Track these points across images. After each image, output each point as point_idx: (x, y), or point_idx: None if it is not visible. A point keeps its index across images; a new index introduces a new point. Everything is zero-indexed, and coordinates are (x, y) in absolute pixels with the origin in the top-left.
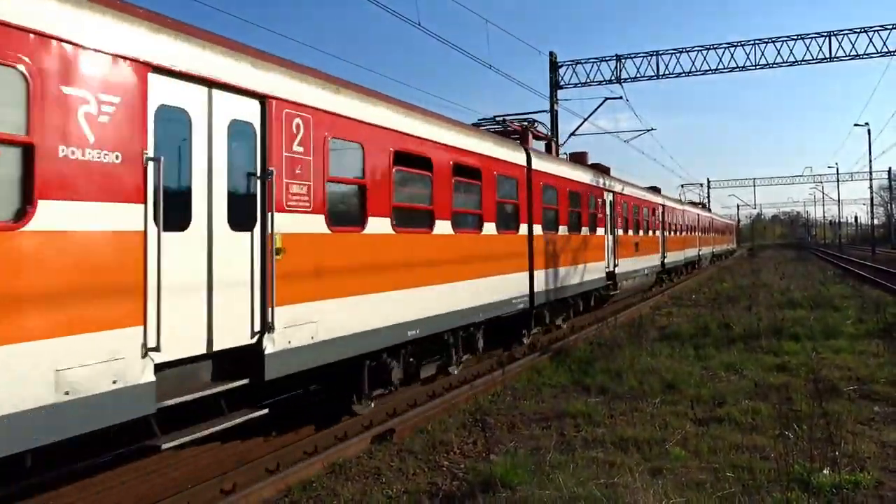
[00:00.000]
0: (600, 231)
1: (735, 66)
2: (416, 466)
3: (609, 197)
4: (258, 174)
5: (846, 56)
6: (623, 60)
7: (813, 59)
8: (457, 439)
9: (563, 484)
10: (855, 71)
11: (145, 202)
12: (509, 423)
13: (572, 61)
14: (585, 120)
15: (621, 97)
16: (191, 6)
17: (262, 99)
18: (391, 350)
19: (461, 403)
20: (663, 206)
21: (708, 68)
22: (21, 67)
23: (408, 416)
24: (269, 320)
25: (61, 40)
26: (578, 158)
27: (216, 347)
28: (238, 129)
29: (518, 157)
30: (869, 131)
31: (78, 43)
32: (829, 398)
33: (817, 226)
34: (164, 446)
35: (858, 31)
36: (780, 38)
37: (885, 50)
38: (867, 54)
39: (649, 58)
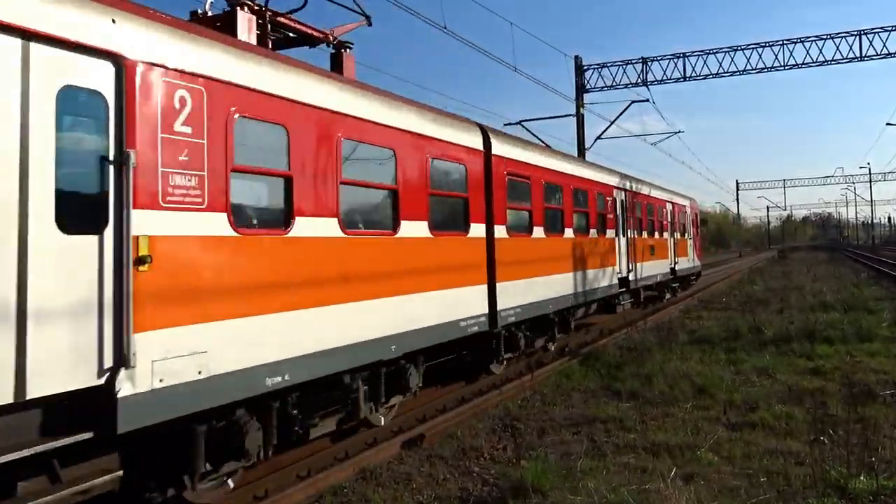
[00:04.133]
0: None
1: (763, 66)
2: (447, 472)
3: None
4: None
5: (878, 55)
6: (649, 63)
7: (843, 59)
8: (487, 444)
9: (595, 489)
10: (888, 69)
11: None
12: (539, 428)
13: (598, 64)
14: (612, 123)
15: (648, 100)
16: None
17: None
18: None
19: (490, 409)
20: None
21: (736, 69)
22: None
23: (437, 422)
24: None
25: None
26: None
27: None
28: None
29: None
30: None
31: None
32: (865, 402)
33: (849, 227)
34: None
35: (890, 29)
36: (809, 37)
37: None
38: None
39: (676, 60)
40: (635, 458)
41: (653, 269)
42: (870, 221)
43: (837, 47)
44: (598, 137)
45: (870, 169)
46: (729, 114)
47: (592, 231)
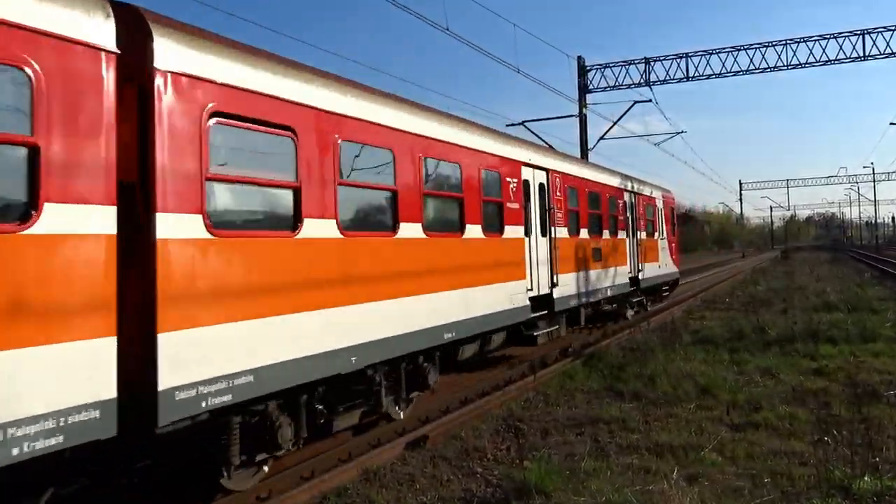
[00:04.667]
0: None
1: (766, 66)
2: (450, 473)
3: None
4: None
5: (881, 54)
6: (652, 63)
7: (846, 59)
8: (490, 445)
9: (598, 490)
10: (891, 68)
11: None
12: (542, 429)
13: (601, 65)
14: (615, 124)
15: (651, 100)
16: (212, 14)
17: None
18: None
19: (494, 409)
20: None
21: (739, 69)
22: None
23: (440, 423)
24: None
25: None
26: None
27: None
28: None
29: None
30: None
31: None
32: (869, 402)
33: (853, 227)
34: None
35: (893, 28)
36: (812, 37)
37: None
38: None
39: (679, 60)
40: (639, 459)
41: (599, 280)
42: (873, 221)
43: (840, 47)
44: (601, 138)
45: (873, 169)
46: (732, 114)
47: (472, 228)
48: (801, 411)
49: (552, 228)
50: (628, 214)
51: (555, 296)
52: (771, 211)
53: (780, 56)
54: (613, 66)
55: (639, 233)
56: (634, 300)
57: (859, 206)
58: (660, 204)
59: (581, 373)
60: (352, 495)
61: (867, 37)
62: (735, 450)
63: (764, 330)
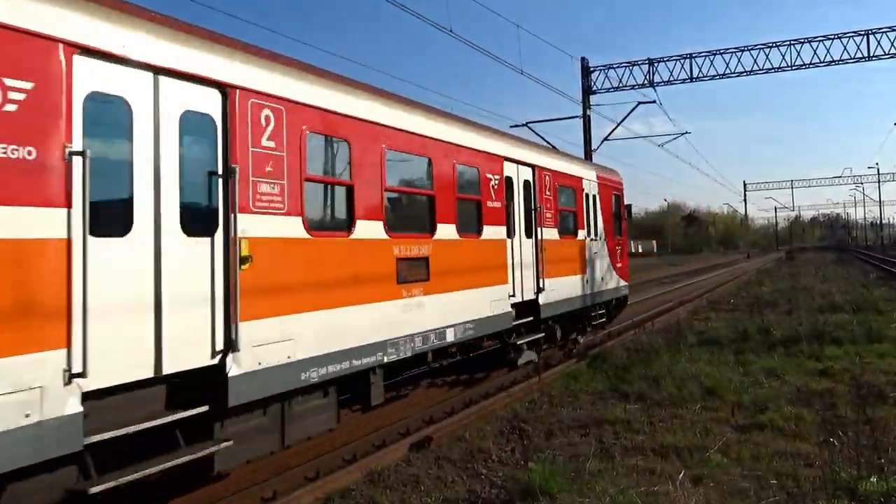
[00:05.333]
0: None
1: (771, 67)
2: (455, 474)
3: None
4: None
5: (885, 54)
6: (656, 64)
7: (851, 59)
8: (494, 447)
9: (603, 492)
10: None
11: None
12: (547, 430)
13: (604, 66)
14: (619, 125)
15: (654, 101)
16: (214, 16)
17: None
18: None
19: (498, 411)
20: None
21: (743, 70)
22: None
23: (444, 424)
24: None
25: None
26: None
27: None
28: None
29: None
30: None
31: None
32: (875, 403)
33: (858, 227)
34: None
35: None
36: (816, 37)
37: None
38: None
39: (683, 61)
40: (644, 460)
41: (425, 317)
42: (878, 222)
43: (845, 47)
44: (605, 139)
45: (878, 169)
46: (736, 114)
47: None
48: (806, 412)
49: (233, 218)
50: (518, 201)
51: (232, 372)
52: (776, 212)
53: (784, 56)
54: (617, 67)
55: (541, 230)
56: (532, 338)
57: (864, 206)
58: (591, 188)
59: (586, 374)
60: (356, 496)
61: (872, 37)
62: (740, 451)
63: (769, 331)
